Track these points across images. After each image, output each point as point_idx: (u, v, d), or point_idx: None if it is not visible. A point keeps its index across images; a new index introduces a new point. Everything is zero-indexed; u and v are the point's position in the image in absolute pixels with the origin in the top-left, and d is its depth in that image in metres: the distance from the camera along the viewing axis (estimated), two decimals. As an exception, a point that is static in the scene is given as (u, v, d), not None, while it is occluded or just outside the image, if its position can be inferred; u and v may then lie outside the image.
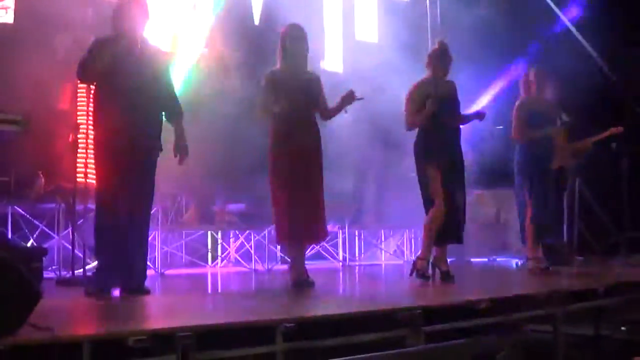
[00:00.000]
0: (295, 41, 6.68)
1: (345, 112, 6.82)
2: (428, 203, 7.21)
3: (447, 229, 7.18)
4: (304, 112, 6.67)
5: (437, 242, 7.28)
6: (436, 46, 7.48)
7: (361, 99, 6.70)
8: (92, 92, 6.36)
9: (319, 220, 6.70)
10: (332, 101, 6.87)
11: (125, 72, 5.91)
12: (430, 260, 7.36)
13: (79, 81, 7.01)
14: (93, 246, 6.29)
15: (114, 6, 6.23)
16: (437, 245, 7.31)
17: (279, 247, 8.89)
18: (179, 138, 6.24)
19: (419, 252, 7.37)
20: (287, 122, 6.57)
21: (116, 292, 6.06)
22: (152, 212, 8.29)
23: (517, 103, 8.29)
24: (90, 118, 6.40)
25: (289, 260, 6.98)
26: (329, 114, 6.89)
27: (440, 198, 7.08)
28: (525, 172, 8.13)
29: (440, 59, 7.32)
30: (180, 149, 6.23)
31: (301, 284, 6.53)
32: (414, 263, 7.25)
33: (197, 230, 9.42)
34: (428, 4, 13.91)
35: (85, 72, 6.05)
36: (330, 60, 12.17)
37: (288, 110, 6.49)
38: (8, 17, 8.97)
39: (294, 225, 6.53)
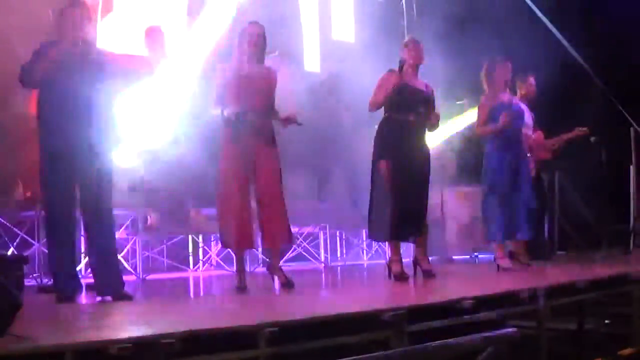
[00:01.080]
0: (252, 38, 6.60)
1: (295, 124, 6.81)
2: (378, 199, 7.18)
3: (408, 227, 7.15)
4: (257, 109, 6.52)
5: (401, 240, 7.26)
6: (405, 39, 7.51)
7: (300, 124, 6.70)
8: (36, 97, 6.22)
9: (281, 223, 6.60)
10: (309, 101, 6.87)
11: (65, 76, 5.82)
12: (411, 259, 7.39)
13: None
14: (47, 255, 6.24)
15: (57, 10, 6.15)
16: (404, 242, 7.34)
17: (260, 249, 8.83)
18: None
19: (390, 255, 7.34)
20: (235, 119, 6.41)
21: (98, 299, 6.05)
22: (131, 217, 8.32)
23: (481, 98, 8.28)
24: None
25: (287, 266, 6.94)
26: (274, 116, 6.78)
27: (389, 194, 7.05)
28: (490, 174, 8.11)
29: (407, 50, 7.33)
30: None
31: (242, 289, 6.48)
32: (388, 267, 7.23)
33: (177, 234, 9.41)
34: (404, 3, 13.96)
35: (26, 78, 5.97)
36: (308, 60, 12.19)
37: (238, 110, 6.38)
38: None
39: (244, 231, 6.47)
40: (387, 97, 7.09)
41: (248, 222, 6.46)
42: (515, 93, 8.68)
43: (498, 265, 7.99)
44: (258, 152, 6.52)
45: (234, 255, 6.76)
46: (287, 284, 6.50)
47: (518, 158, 8.12)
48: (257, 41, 6.60)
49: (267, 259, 7.29)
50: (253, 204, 6.56)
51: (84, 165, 5.89)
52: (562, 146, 9.67)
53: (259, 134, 6.54)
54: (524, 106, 8.43)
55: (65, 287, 5.91)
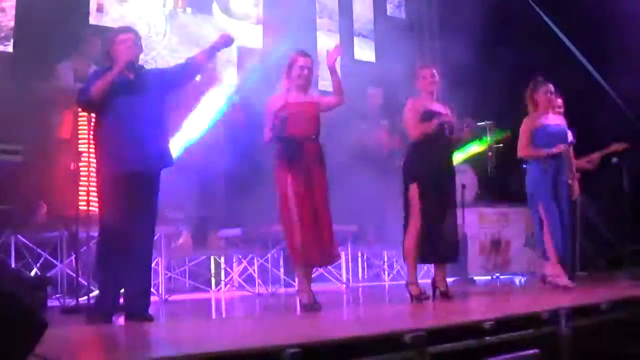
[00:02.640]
0: (302, 71, 6.79)
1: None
2: (407, 221, 7.23)
3: (435, 249, 7.16)
4: (308, 135, 6.74)
5: (426, 262, 7.30)
6: (416, 65, 7.59)
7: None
8: (92, 121, 6.43)
9: (330, 242, 6.73)
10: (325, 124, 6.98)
11: (121, 100, 6.00)
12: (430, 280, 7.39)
13: (80, 110, 7.06)
14: (95, 273, 6.33)
15: (110, 38, 6.35)
16: (428, 265, 7.34)
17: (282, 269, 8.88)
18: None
19: (408, 277, 7.35)
20: (290, 145, 6.63)
21: (120, 320, 6.09)
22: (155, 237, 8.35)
23: (524, 120, 8.28)
24: (92, 147, 6.50)
25: (297, 283, 7.00)
26: (335, 89, 6.95)
27: (418, 218, 7.08)
28: (536, 191, 8.10)
29: (419, 78, 7.40)
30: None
31: (312, 307, 6.56)
32: (407, 289, 7.24)
33: (198, 255, 9.44)
34: (425, 22, 14.01)
35: (84, 101, 6.17)
36: (328, 79, 12.24)
37: (292, 134, 6.54)
38: (8, 46, 9.05)
39: (305, 249, 6.56)
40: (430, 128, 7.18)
41: (312, 239, 6.59)
42: None
43: (554, 283, 7.94)
44: (312, 174, 6.70)
45: (298, 272, 6.88)
46: (314, 306, 6.54)
47: (559, 177, 8.09)
48: (307, 74, 6.86)
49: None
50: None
51: (139, 185, 6.04)
52: (596, 164, 9.64)
53: (311, 156, 6.72)
54: (565, 125, 8.39)
55: (107, 309, 6.02)
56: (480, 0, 11.35)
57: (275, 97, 6.86)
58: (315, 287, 6.95)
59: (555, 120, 8.29)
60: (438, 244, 7.16)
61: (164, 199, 6.56)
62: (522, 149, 8.22)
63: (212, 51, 6.39)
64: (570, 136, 8.46)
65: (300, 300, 6.74)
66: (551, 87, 8.23)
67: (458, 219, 7.55)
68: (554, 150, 8.01)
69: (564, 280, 7.93)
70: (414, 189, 7.13)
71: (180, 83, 6.53)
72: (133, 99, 6.03)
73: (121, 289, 6.14)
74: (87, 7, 9.85)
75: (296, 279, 7.22)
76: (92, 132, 6.49)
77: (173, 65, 7.20)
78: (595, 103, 11.14)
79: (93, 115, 6.51)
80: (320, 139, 6.88)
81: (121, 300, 6.25)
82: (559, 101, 8.84)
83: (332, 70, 6.88)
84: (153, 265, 8.32)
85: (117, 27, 7.42)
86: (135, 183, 6.01)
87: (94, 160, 6.46)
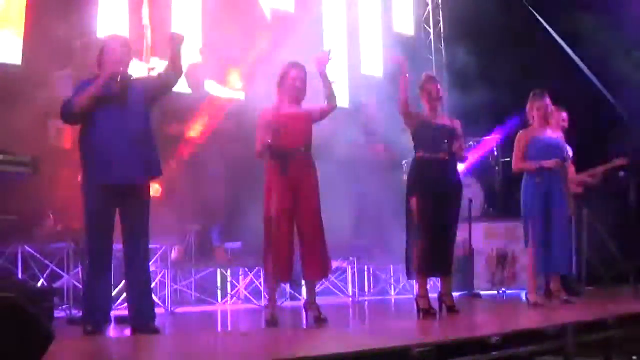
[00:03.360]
0: (294, 82, 6.73)
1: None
2: (411, 236, 7.22)
3: (435, 263, 7.15)
4: (297, 148, 6.65)
5: (428, 275, 7.29)
6: (422, 78, 7.57)
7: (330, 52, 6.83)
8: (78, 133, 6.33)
9: (322, 255, 6.69)
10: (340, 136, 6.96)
11: (105, 110, 5.94)
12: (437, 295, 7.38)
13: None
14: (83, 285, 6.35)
15: (99, 46, 6.28)
16: (434, 279, 7.33)
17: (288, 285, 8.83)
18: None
19: (417, 291, 7.34)
20: (280, 158, 6.55)
21: (127, 332, 6.09)
22: (161, 250, 8.36)
23: (519, 133, 8.28)
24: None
25: (302, 298, 6.98)
26: (326, 95, 6.83)
27: (419, 231, 7.07)
28: (528, 206, 8.09)
29: (423, 90, 7.40)
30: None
31: (272, 323, 6.53)
32: (416, 303, 7.22)
33: (203, 268, 9.44)
34: (432, 38, 14.05)
35: (67, 113, 6.07)
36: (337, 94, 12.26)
37: (281, 147, 6.53)
38: (15, 58, 9.09)
39: (277, 267, 6.53)
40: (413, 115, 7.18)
41: (290, 255, 6.54)
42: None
43: (528, 300, 7.94)
44: (301, 186, 6.61)
45: (267, 288, 6.86)
46: (320, 320, 6.51)
47: (553, 190, 8.07)
48: (299, 86, 6.76)
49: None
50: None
51: (126, 196, 6.00)
52: (599, 179, 9.62)
53: (299, 170, 6.61)
54: (563, 140, 8.37)
55: (93, 320, 5.98)
56: (488, 15, 11.38)
57: (268, 109, 6.82)
58: (321, 300, 6.94)
59: (551, 133, 8.24)
60: (437, 258, 7.14)
61: (166, 210, 6.58)
62: (515, 162, 8.23)
63: (173, 56, 6.28)
64: (568, 151, 8.44)
65: (265, 315, 6.73)
66: (548, 100, 8.20)
67: (464, 234, 7.55)
68: (546, 164, 7.97)
69: (532, 297, 7.91)
70: (414, 202, 7.12)
71: (161, 93, 6.39)
72: (117, 109, 5.96)
73: (108, 301, 6.19)
74: (96, 20, 9.87)
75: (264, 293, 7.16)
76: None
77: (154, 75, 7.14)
78: (602, 117, 11.14)
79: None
80: (324, 154, 6.85)
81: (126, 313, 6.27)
82: (564, 115, 8.83)
83: (323, 76, 6.80)
84: (159, 277, 8.37)
85: (106, 35, 7.37)
86: (122, 194, 5.98)
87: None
